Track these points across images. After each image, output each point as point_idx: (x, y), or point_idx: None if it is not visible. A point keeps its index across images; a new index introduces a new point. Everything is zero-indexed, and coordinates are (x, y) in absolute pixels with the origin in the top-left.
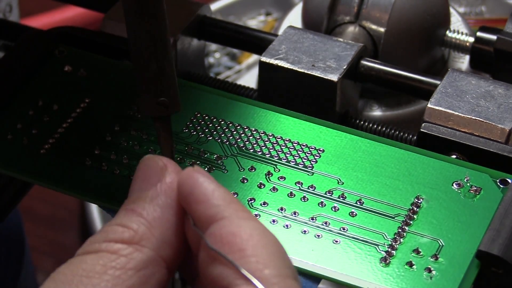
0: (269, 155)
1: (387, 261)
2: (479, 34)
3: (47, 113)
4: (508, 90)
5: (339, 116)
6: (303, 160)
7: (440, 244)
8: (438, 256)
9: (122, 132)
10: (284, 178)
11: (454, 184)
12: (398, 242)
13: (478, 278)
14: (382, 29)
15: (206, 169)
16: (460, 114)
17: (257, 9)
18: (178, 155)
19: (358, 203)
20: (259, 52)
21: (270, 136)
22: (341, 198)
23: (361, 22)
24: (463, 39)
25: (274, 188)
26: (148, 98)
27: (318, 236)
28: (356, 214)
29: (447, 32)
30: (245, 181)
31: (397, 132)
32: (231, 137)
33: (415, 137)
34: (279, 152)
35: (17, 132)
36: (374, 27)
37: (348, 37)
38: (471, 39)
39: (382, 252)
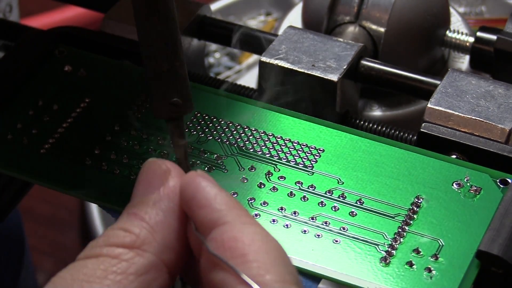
0: (269, 155)
1: (387, 261)
2: (479, 34)
3: (47, 113)
4: (508, 90)
5: (339, 116)
6: (303, 160)
7: (440, 244)
8: (438, 256)
9: (122, 132)
10: (284, 178)
11: (454, 184)
12: (398, 242)
13: (478, 278)
14: (382, 29)
15: (206, 169)
16: (460, 114)
17: (257, 9)
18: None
19: (358, 203)
20: (259, 52)
21: (270, 136)
22: (341, 197)
23: (361, 22)
24: (463, 39)
25: (274, 188)
26: (161, 99)
27: (318, 235)
28: (356, 214)
29: (447, 32)
30: (245, 181)
31: (397, 132)
32: (231, 137)
33: (415, 137)
34: (279, 152)
35: (17, 132)
36: (374, 27)
37: (348, 37)
38: (471, 39)
39: (382, 252)
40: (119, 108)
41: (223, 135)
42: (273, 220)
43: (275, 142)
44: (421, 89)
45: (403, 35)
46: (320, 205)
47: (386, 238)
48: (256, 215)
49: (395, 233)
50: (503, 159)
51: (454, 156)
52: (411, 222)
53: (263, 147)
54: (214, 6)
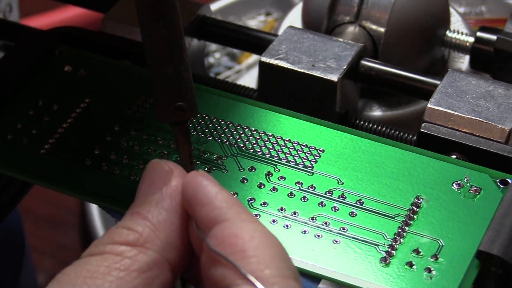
0: (269, 155)
1: (387, 261)
2: (479, 34)
3: (47, 113)
4: (508, 90)
5: (339, 116)
6: (303, 160)
7: (440, 244)
8: (438, 256)
9: (122, 132)
10: (284, 178)
11: (454, 184)
12: (398, 242)
13: (478, 278)
14: (382, 29)
15: (206, 169)
16: (460, 114)
17: (257, 9)
18: (178, 156)
19: (358, 203)
20: (259, 52)
21: (270, 136)
22: (341, 198)
23: (361, 22)
24: (463, 39)
25: (274, 188)
26: (165, 104)
27: (318, 236)
28: (356, 214)
29: (447, 32)
30: (245, 181)
31: (397, 132)
32: (231, 137)
33: (415, 137)
34: (279, 152)
35: (17, 132)
36: (374, 27)
37: (348, 37)
38: (471, 39)
39: (382, 252)
40: (119, 108)
41: (223, 135)
42: (273, 221)
43: (275, 142)
44: (421, 89)
45: (403, 35)
46: (320, 205)
47: (386, 238)
48: (256, 215)
49: (395, 234)
50: (503, 159)
51: (454, 156)
52: (411, 222)
53: (263, 148)
54: (214, 6)
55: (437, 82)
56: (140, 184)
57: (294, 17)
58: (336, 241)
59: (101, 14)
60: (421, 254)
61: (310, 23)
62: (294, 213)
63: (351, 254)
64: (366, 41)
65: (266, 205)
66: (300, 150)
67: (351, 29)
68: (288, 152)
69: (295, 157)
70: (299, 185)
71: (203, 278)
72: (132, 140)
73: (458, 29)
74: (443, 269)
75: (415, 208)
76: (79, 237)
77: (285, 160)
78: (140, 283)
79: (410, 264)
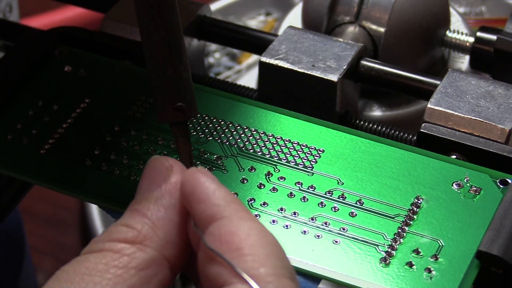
0: (269, 155)
1: (387, 261)
2: (479, 34)
3: (47, 113)
4: (508, 90)
5: (339, 116)
6: (303, 160)
7: (440, 244)
8: (438, 256)
9: (122, 132)
10: (284, 179)
11: (454, 184)
12: (398, 242)
13: (478, 278)
14: (382, 29)
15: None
16: (460, 114)
17: (257, 9)
18: (178, 156)
19: (358, 203)
20: (259, 52)
21: (270, 136)
22: (341, 198)
23: (361, 22)
24: (463, 39)
25: (274, 189)
26: (165, 104)
27: (318, 236)
28: (356, 214)
29: (447, 32)
30: (245, 181)
31: (397, 132)
32: (231, 137)
33: (415, 137)
34: (279, 152)
35: (17, 132)
36: (374, 27)
37: (348, 37)
38: (471, 39)
39: (382, 252)
40: (119, 108)
41: (223, 135)
42: (273, 221)
43: (275, 142)
44: (421, 89)
45: (403, 35)
46: (320, 205)
47: (386, 238)
48: (256, 215)
49: (395, 234)
50: (503, 159)
51: (454, 156)
52: (411, 222)
53: (263, 148)
54: (214, 6)
55: (437, 82)
56: (140, 181)
57: (294, 17)
58: (336, 241)
59: (101, 14)
60: (421, 254)
61: (310, 23)
62: (294, 213)
63: (351, 254)
64: (366, 41)
65: (266, 205)
66: (300, 150)
67: (351, 29)
68: (288, 152)
69: (295, 157)
70: (299, 185)
71: (200, 276)
72: (132, 140)
73: (458, 29)
74: (443, 269)
75: (415, 208)
76: (79, 237)
77: (285, 160)
78: (138, 280)
79: (410, 264)
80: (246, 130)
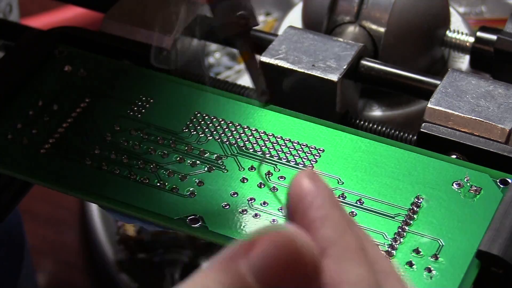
0: (269, 155)
1: None
2: (479, 34)
3: (47, 113)
4: (508, 90)
5: (339, 116)
6: (303, 160)
7: (440, 244)
8: (438, 256)
9: (122, 132)
10: (284, 178)
11: (454, 184)
12: (398, 242)
13: (478, 278)
14: (382, 29)
15: (206, 169)
16: (460, 114)
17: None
18: (178, 155)
19: (358, 203)
20: (259, 52)
21: (270, 136)
22: (341, 198)
23: (361, 22)
24: (463, 39)
25: (274, 188)
26: (228, 15)
27: None
28: (356, 214)
29: (447, 32)
30: (245, 181)
31: (397, 132)
32: (231, 137)
33: (415, 137)
34: (279, 152)
35: (17, 132)
36: (374, 27)
37: (348, 37)
38: (471, 39)
39: (382, 252)
40: (119, 108)
41: (223, 135)
42: (273, 220)
43: (275, 142)
44: (421, 89)
45: (403, 35)
46: None
47: (386, 238)
48: (256, 215)
49: (395, 233)
50: (503, 159)
51: (454, 156)
52: (411, 222)
53: (263, 147)
54: None
55: (437, 82)
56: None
57: (294, 17)
58: None
59: (101, 14)
60: (421, 254)
61: (310, 23)
62: None
63: None
64: (366, 41)
65: (266, 204)
66: (300, 149)
67: (351, 29)
68: (288, 152)
69: (295, 157)
70: None
71: None
72: (132, 140)
73: (458, 29)
74: (443, 269)
75: (415, 208)
76: (79, 237)
77: (285, 160)
78: None
79: (410, 264)
80: (246, 129)
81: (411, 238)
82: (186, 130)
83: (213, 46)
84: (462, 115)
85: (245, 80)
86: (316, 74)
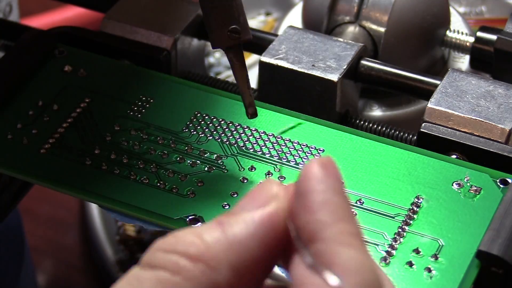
0: (269, 155)
1: (387, 261)
2: (479, 34)
3: (47, 113)
4: (508, 90)
5: (339, 116)
6: (303, 160)
7: (440, 244)
8: (438, 256)
9: (122, 132)
10: (284, 178)
11: (454, 184)
12: (398, 242)
13: (478, 278)
14: (382, 29)
15: (206, 169)
16: (460, 114)
17: (257, 9)
18: (178, 155)
19: (358, 203)
20: (259, 52)
21: (270, 136)
22: None
23: (361, 22)
24: (463, 39)
25: None
26: (220, 28)
27: None
28: (356, 214)
29: (447, 32)
30: (245, 181)
31: (397, 132)
32: (231, 137)
33: (415, 137)
34: (279, 152)
35: (17, 132)
36: (374, 27)
37: (348, 37)
38: (471, 39)
39: (382, 252)
40: (119, 108)
41: (223, 135)
42: None
43: (275, 142)
44: (421, 89)
45: (403, 35)
46: None
47: (386, 238)
48: None
49: (395, 233)
50: (503, 159)
51: (454, 156)
52: (411, 222)
53: (263, 147)
54: None
55: (437, 82)
56: (243, 197)
57: (294, 17)
58: None
59: (101, 14)
60: (421, 253)
61: (310, 23)
62: None
63: None
64: (366, 41)
65: None
66: (300, 149)
67: (351, 29)
68: (288, 152)
69: (295, 157)
70: None
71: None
72: (132, 140)
73: (458, 29)
74: (443, 269)
75: (415, 208)
76: (79, 237)
77: (285, 160)
78: None
79: (410, 264)
80: (246, 129)
81: (411, 238)
82: (186, 130)
83: None
84: (462, 115)
85: None
86: (316, 74)
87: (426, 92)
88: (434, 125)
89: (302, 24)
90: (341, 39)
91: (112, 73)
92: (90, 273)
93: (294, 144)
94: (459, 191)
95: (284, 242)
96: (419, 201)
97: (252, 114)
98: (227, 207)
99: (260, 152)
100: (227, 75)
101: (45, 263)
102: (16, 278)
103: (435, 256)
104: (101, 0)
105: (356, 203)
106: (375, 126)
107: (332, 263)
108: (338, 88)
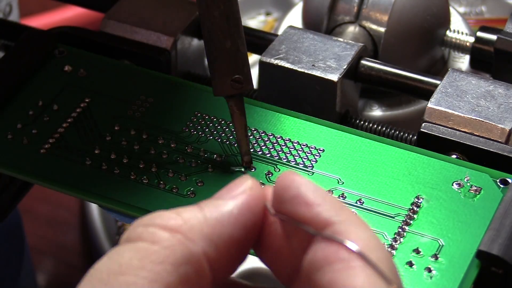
0: (269, 155)
1: None
2: (479, 34)
3: (47, 113)
4: (508, 90)
5: (339, 116)
6: (303, 159)
7: (440, 244)
8: (438, 256)
9: (122, 132)
10: None
11: (454, 184)
12: (398, 241)
13: (478, 278)
14: (382, 29)
15: (206, 169)
16: (460, 114)
17: (257, 9)
18: (178, 155)
19: (358, 203)
20: (259, 52)
21: (270, 136)
22: (341, 197)
23: (361, 22)
24: (463, 39)
25: None
26: (223, 77)
27: None
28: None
29: (447, 32)
30: None
31: (397, 132)
32: (231, 137)
33: (415, 137)
34: (279, 152)
35: (17, 132)
36: (374, 27)
37: (348, 37)
38: (471, 39)
39: None
40: (119, 108)
41: (223, 135)
42: None
43: (275, 142)
44: (421, 89)
45: (403, 35)
46: None
47: (386, 238)
48: None
49: (395, 233)
50: (503, 159)
51: (454, 156)
52: (411, 222)
53: (263, 147)
54: None
55: (437, 82)
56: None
57: (294, 17)
58: None
59: (101, 14)
60: (421, 253)
61: (310, 23)
62: None
63: None
64: (366, 41)
65: None
66: (300, 149)
67: (351, 29)
68: (288, 152)
69: (295, 157)
70: None
71: (304, 280)
72: (132, 140)
73: (458, 29)
74: (443, 269)
75: (415, 208)
76: (79, 237)
77: (285, 160)
78: (177, 279)
79: (410, 264)
80: None
81: (411, 238)
82: (186, 130)
83: None
84: (462, 115)
85: None
86: (316, 74)
87: (426, 92)
88: (434, 125)
89: (302, 24)
90: (341, 39)
91: (112, 73)
92: None
93: (294, 144)
94: (459, 191)
95: (259, 227)
96: (419, 201)
97: (247, 162)
98: None
99: (260, 152)
100: None
101: (45, 263)
102: (16, 278)
103: (435, 256)
104: (101, 0)
105: (356, 203)
106: (375, 126)
107: (352, 240)
108: (338, 88)
